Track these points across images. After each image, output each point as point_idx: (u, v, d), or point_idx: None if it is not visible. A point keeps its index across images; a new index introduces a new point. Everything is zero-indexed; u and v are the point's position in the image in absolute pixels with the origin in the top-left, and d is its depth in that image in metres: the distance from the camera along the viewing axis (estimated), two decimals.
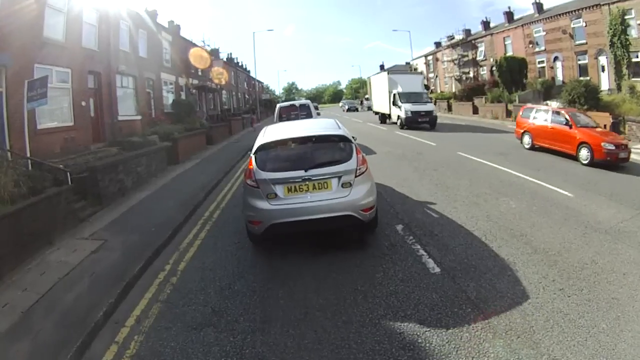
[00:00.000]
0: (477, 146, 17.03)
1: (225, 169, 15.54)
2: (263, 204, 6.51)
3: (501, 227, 7.49)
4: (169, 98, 28.05)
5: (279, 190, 6.53)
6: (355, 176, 6.64)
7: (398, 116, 27.60)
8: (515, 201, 9.06)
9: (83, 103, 16.19)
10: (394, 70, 42.54)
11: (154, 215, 9.57)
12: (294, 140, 7.08)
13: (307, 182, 6.51)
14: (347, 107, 71.28)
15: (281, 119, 17.30)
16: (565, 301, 4.89)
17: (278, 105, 19.95)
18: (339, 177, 6.59)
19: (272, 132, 7.65)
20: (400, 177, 11.88)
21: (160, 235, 8.03)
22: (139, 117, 21.52)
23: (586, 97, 22.32)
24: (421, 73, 44.25)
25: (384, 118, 32.71)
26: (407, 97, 27.44)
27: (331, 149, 7.02)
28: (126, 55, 20.83)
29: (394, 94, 28.51)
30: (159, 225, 8.67)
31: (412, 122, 26.20)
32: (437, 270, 5.92)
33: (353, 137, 7.38)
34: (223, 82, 43.49)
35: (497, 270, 5.77)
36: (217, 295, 5.70)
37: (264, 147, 6.97)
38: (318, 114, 21.14)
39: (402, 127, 26.77)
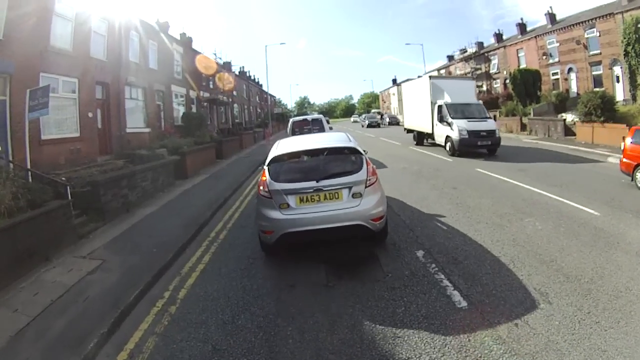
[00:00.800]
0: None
1: (234, 186, 15.02)
2: (275, 214, 6.70)
3: (529, 252, 6.87)
4: (179, 111, 27.82)
5: (291, 200, 6.72)
6: (366, 187, 6.83)
7: (447, 137, 20.23)
8: (541, 222, 8.44)
9: (90, 114, 15.91)
10: (437, 75, 31.87)
11: (157, 234, 9.09)
12: (305, 152, 7.21)
13: (318, 193, 6.71)
14: (367, 122, 59.32)
15: (294, 132, 18.05)
16: (602, 336, 4.36)
17: (291, 120, 20.95)
18: (350, 188, 6.78)
19: (284, 145, 7.82)
20: (418, 196, 11.28)
21: (161, 257, 7.51)
22: (147, 130, 21.25)
23: (602, 108, 21.55)
24: (473, 79, 31.97)
25: (421, 138, 25.49)
26: (458, 110, 20.20)
27: (342, 161, 7.18)
28: (136, 67, 20.62)
29: (440, 106, 21.07)
30: (161, 246, 8.16)
31: (469, 146, 18.84)
32: (464, 304, 5.29)
33: (364, 151, 7.50)
34: (231, 87, 43.13)
35: (529, 303, 5.16)
36: (219, 330, 5.13)
37: (277, 159, 7.18)
38: (330, 128, 21.30)
39: (453, 152, 19.46)
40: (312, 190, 6.69)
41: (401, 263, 6.75)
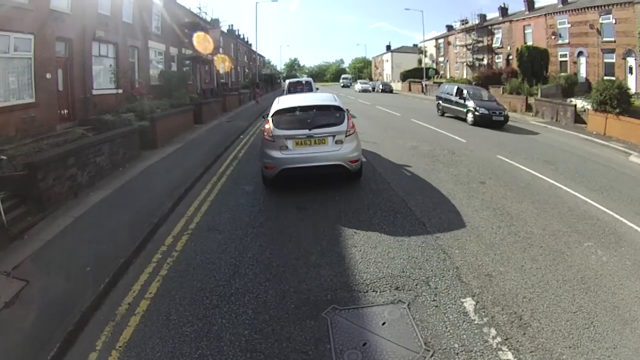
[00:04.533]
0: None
1: (208, 161, 12.83)
2: (277, 154, 8.90)
3: (605, 303, 5.02)
4: (158, 69, 25.27)
5: (289, 143, 8.90)
6: (346, 136, 9.05)
7: None
8: (601, 248, 6.64)
9: (48, 75, 13.72)
10: None
11: (98, 238, 7.01)
12: (301, 108, 9.53)
13: (310, 139, 8.93)
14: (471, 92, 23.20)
15: (289, 91, 22.56)
16: None
17: (288, 81, 26.70)
18: (334, 136, 8.99)
19: (284, 101, 10.05)
20: (442, 192, 9.40)
21: (94, 284, 5.47)
22: (118, 91, 18.84)
23: (619, 99, 19.78)
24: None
25: None
26: None
27: (328, 115, 9.39)
28: (106, 20, 18.07)
29: None
30: (98, 260, 6.10)
31: None
32: None
33: (347, 110, 9.72)
34: (227, 69, 40.00)
35: None
36: None
37: (279, 112, 9.38)
38: (317, 88, 25.85)
39: None
40: (305, 136, 8.91)
41: (444, 323, 4.61)
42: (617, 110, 19.16)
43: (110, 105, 17.22)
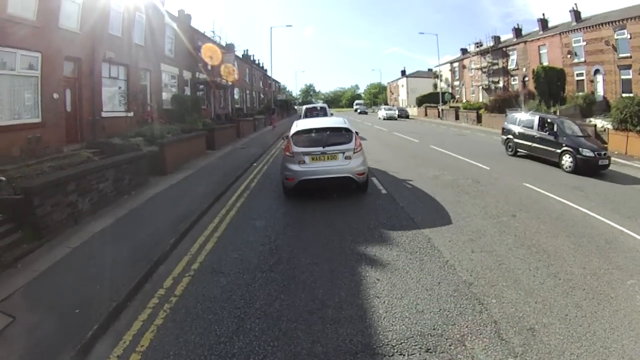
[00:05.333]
0: None
1: (218, 190, 12.21)
2: (296, 167, 10.50)
3: None
4: (171, 93, 25.13)
5: (306, 158, 10.49)
6: (354, 152, 10.62)
7: None
8: None
9: (56, 95, 13.56)
10: None
11: (93, 275, 6.42)
12: (316, 129, 11.17)
13: (323, 154, 10.53)
14: None
15: (306, 115, 24.37)
16: None
17: (304, 106, 28.46)
18: (343, 153, 10.56)
19: (301, 124, 11.77)
20: (471, 229, 8.55)
21: (83, 329, 4.86)
22: (129, 114, 18.62)
23: (639, 117, 19.22)
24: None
25: None
26: None
27: (339, 135, 10.90)
28: (117, 41, 18.05)
29: None
30: (89, 302, 5.49)
31: None
32: None
33: (356, 132, 11.33)
34: (236, 78, 39.59)
35: None
36: None
37: (297, 133, 10.99)
38: (331, 114, 26.79)
39: None
40: (319, 152, 10.48)
41: None
42: (638, 128, 18.70)
43: (119, 128, 16.94)
